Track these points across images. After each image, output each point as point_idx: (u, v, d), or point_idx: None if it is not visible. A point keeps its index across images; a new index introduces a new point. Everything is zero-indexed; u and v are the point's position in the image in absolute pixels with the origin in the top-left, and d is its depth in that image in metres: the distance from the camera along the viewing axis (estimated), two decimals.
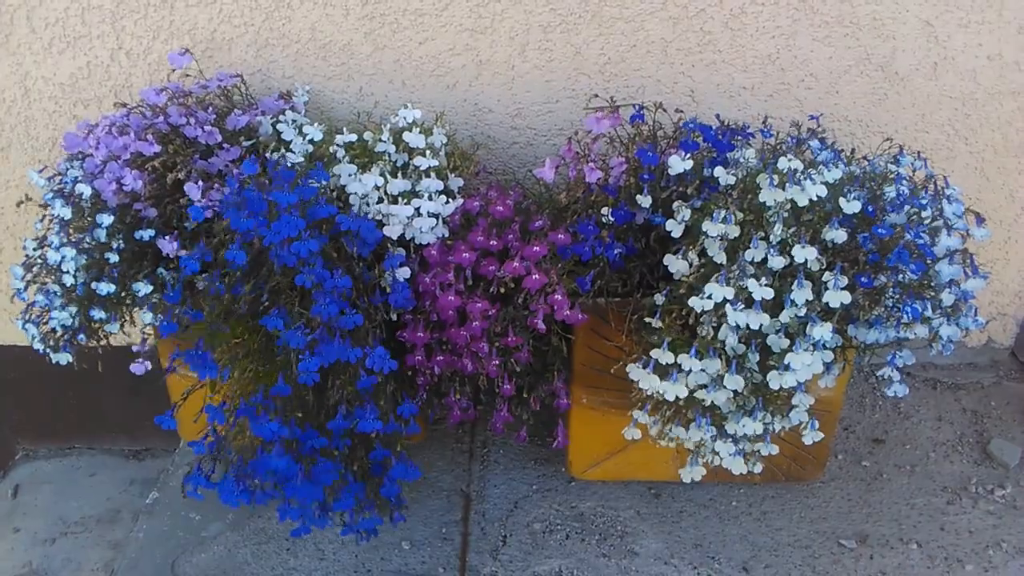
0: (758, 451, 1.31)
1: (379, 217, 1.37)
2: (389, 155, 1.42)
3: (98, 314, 1.38)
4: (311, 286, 1.23)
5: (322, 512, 1.36)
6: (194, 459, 1.34)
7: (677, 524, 1.61)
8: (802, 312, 1.19)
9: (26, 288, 1.40)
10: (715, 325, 1.22)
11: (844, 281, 1.19)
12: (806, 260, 1.18)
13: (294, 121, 1.49)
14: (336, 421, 1.30)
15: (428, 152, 1.40)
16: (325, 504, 1.35)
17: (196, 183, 1.34)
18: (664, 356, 1.23)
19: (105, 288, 1.34)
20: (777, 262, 1.19)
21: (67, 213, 1.35)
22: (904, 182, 1.32)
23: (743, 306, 1.18)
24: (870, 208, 1.25)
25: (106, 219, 1.33)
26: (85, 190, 1.35)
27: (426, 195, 1.38)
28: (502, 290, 1.37)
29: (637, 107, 1.46)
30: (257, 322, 1.25)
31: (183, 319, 1.29)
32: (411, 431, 1.40)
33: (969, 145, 1.76)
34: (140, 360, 1.46)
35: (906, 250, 1.20)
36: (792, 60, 1.65)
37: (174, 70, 1.60)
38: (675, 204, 1.31)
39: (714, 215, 1.22)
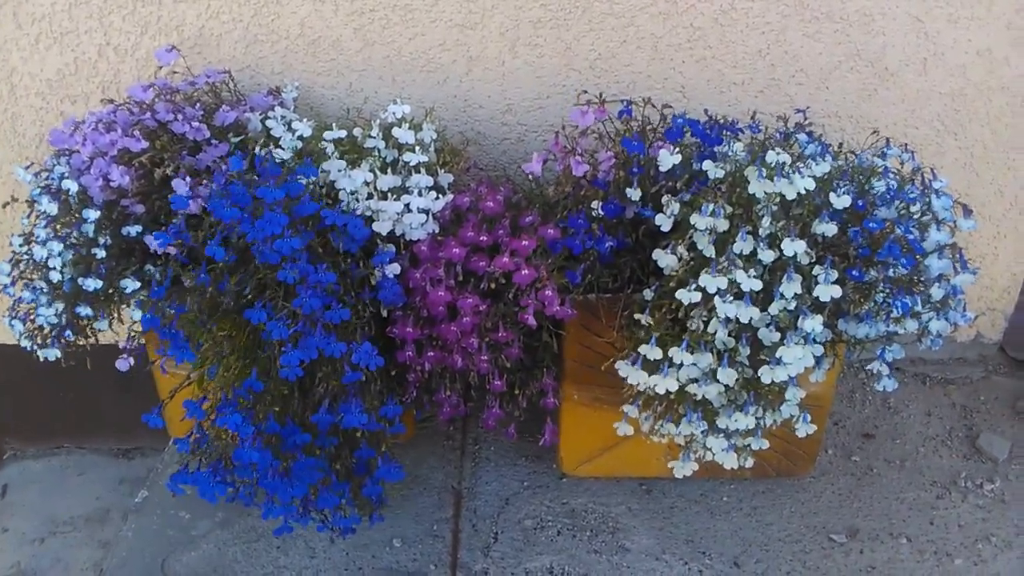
0: (749, 446, 1.31)
1: (369, 213, 1.37)
2: (378, 151, 1.42)
3: (84, 311, 1.37)
4: (294, 281, 1.22)
5: (304, 510, 1.35)
6: (180, 457, 1.33)
7: (668, 520, 1.61)
8: (792, 305, 1.19)
9: (13, 284, 1.39)
10: (705, 319, 1.22)
11: (835, 275, 1.19)
12: (795, 254, 1.18)
13: (283, 117, 1.48)
14: (320, 415, 1.29)
15: (418, 148, 1.40)
16: (307, 501, 1.35)
17: (184, 179, 1.33)
18: (652, 352, 1.23)
19: (92, 284, 1.33)
20: (767, 256, 1.19)
21: (53, 209, 1.35)
22: (891, 175, 1.32)
23: (732, 298, 1.18)
24: (859, 202, 1.25)
25: (92, 214, 1.33)
26: (72, 186, 1.34)
27: (416, 191, 1.38)
28: (492, 286, 1.36)
29: (625, 102, 1.46)
30: (243, 318, 1.24)
31: (167, 313, 1.28)
32: (395, 431, 1.39)
33: (958, 140, 1.76)
34: (125, 356, 1.45)
35: (896, 244, 1.20)
36: (782, 56, 1.66)
37: (161, 67, 1.59)
38: (664, 198, 1.32)
39: (703, 208, 1.22)
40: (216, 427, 1.29)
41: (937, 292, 1.26)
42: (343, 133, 1.44)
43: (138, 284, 1.35)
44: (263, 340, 1.26)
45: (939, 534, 1.58)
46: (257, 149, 1.43)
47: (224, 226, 1.24)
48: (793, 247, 1.18)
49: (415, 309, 1.39)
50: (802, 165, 1.22)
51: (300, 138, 1.45)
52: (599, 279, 1.40)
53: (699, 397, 1.24)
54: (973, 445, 1.79)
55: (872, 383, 1.32)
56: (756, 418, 1.26)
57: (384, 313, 1.38)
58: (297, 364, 1.23)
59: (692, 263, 1.25)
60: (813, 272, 1.20)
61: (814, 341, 1.20)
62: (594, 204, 1.38)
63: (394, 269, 1.35)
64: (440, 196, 1.40)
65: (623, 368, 1.27)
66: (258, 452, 1.24)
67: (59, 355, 1.41)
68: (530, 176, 1.49)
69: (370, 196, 1.37)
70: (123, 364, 1.45)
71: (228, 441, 1.31)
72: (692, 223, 1.23)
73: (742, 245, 1.20)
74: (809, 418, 1.30)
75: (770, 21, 1.62)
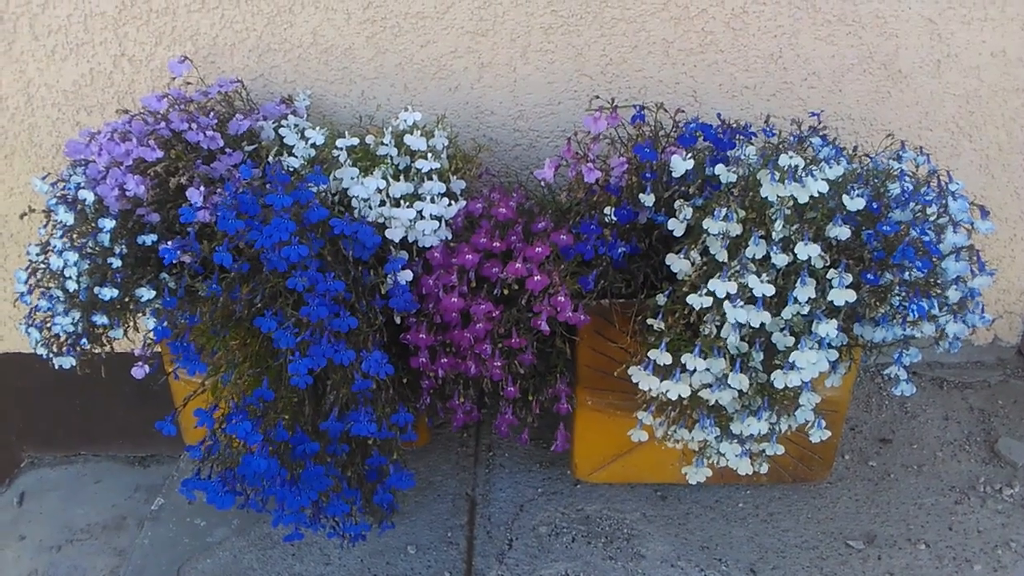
0: (764, 451, 1.30)
1: (381, 220, 1.37)
2: (391, 158, 1.42)
3: (100, 319, 1.38)
4: (303, 289, 1.22)
5: (315, 517, 1.35)
6: (195, 464, 1.34)
7: (683, 526, 1.60)
8: (806, 310, 1.18)
9: (30, 292, 1.40)
10: (718, 324, 1.21)
11: (849, 279, 1.18)
12: (809, 258, 1.18)
13: (296, 125, 1.49)
14: (329, 422, 1.29)
15: (430, 155, 1.40)
16: (317, 508, 1.35)
17: (198, 188, 1.34)
18: (662, 357, 1.23)
19: (108, 293, 1.34)
20: (780, 260, 1.18)
21: (70, 219, 1.36)
22: (907, 178, 1.31)
23: (743, 303, 1.17)
24: (874, 205, 1.25)
25: (108, 223, 1.33)
26: (88, 196, 1.36)
27: (428, 198, 1.38)
28: (506, 292, 1.36)
29: (638, 107, 1.45)
30: (255, 326, 1.24)
31: (180, 323, 1.28)
32: (407, 439, 1.39)
33: (973, 143, 1.75)
34: (140, 364, 1.46)
35: (911, 247, 1.19)
36: (794, 59, 1.65)
37: (175, 78, 1.61)
38: (677, 203, 1.31)
39: (715, 213, 1.22)
40: (227, 434, 1.29)
41: (954, 295, 1.25)
42: (356, 141, 1.45)
43: (153, 293, 1.36)
44: (275, 348, 1.26)
45: (958, 540, 1.56)
46: (270, 157, 1.44)
47: (230, 235, 1.24)
48: (807, 251, 1.18)
49: (428, 315, 1.39)
50: (815, 168, 1.22)
51: (313, 146, 1.46)
52: (612, 285, 1.40)
53: (712, 402, 1.23)
54: (991, 450, 1.77)
55: (889, 387, 1.31)
56: (770, 423, 1.25)
57: (397, 320, 1.39)
58: (305, 372, 1.23)
59: (705, 268, 1.25)
60: (827, 276, 1.19)
61: (829, 346, 1.19)
62: (607, 210, 1.38)
63: (406, 276, 1.35)
64: (452, 202, 1.41)
65: (636, 373, 1.27)
66: (265, 460, 1.24)
67: (74, 363, 1.42)
68: (542, 182, 1.49)
69: (383, 203, 1.38)
70: (138, 372, 1.46)
71: (239, 448, 1.31)
72: (705, 228, 1.23)
73: (755, 249, 1.19)
74: (824, 423, 1.29)
75: (782, 24, 1.62)
